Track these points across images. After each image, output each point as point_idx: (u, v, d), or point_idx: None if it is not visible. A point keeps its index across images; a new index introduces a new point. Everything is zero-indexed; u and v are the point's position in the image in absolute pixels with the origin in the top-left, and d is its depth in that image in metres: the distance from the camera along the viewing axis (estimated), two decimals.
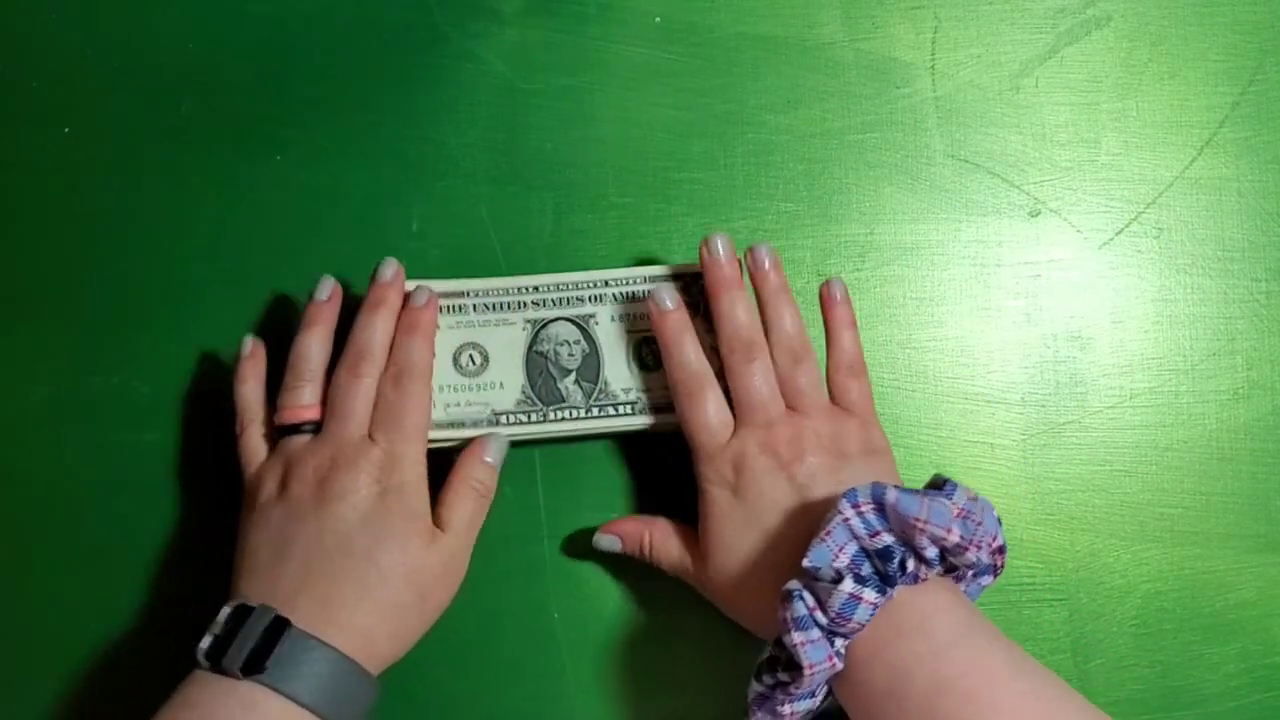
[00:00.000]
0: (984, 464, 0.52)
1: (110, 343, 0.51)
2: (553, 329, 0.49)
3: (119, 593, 0.50)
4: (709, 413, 0.46)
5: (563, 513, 0.51)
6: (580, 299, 0.50)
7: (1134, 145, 0.54)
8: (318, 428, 0.46)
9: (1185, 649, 0.51)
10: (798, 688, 0.39)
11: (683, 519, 0.47)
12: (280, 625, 0.40)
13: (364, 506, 0.44)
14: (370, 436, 0.46)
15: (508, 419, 0.48)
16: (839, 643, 0.39)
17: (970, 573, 0.42)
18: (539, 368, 0.49)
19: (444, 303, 0.49)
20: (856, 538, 0.39)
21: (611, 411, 0.49)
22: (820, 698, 0.41)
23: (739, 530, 0.44)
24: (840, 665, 0.39)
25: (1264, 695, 0.50)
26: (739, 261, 0.48)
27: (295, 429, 0.46)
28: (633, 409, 0.49)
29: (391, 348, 0.47)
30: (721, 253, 0.47)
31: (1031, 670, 0.38)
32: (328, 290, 0.48)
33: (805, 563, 0.39)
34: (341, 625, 0.42)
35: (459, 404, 0.48)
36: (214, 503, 0.50)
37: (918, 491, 0.40)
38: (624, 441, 0.51)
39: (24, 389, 0.51)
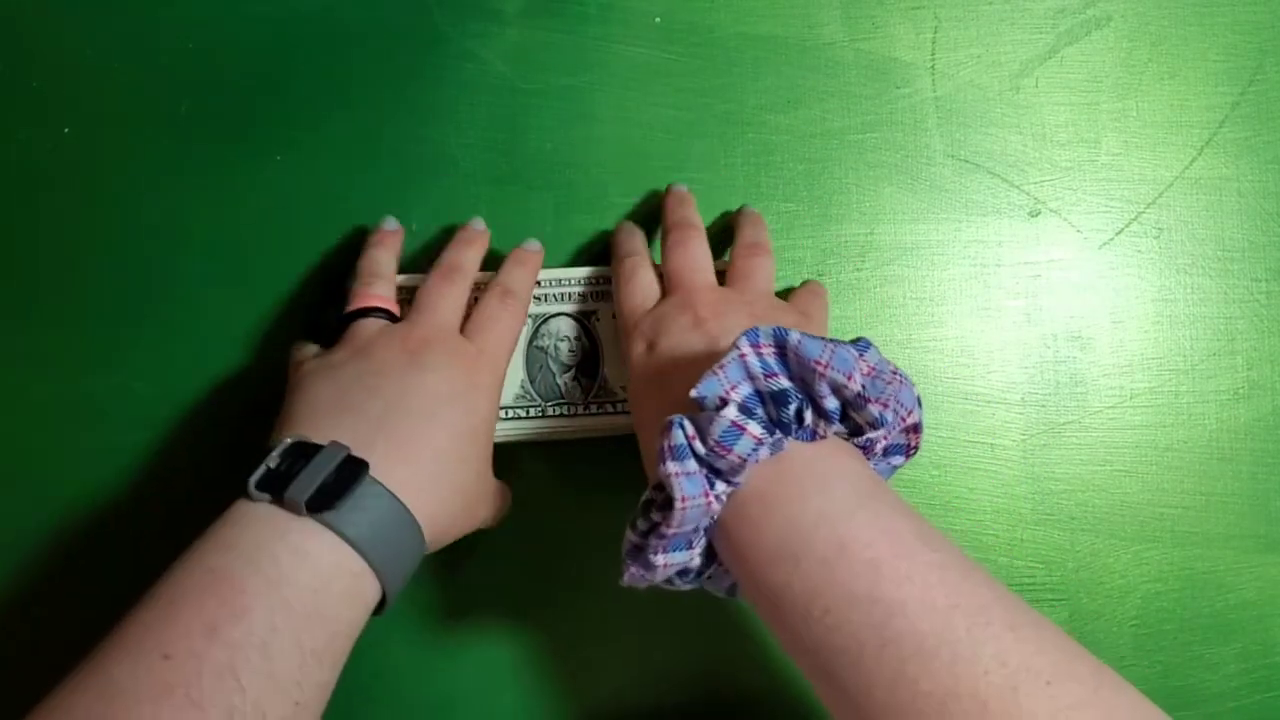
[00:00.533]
0: (984, 464, 0.52)
1: (110, 343, 0.51)
2: (553, 324, 0.49)
3: (120, 593, 0.50)
4: (640, 285, 0.46)
5: (562, 514, 0.51)
6: (582, 295, 0.50)
7: (1134, 145, 0.54)
8: (390, 319, 0.45)
9: (1185, 649, 0.51)
10: (669, 528, 0.35)
11: None
12: (355, 465, 0.37)
13: (458, 387, 0.42)
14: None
15: (506, 414, 0.48)
16: (720, 486, 0.36)
17: (880, 448, 0.38)
18: (538, 363, 0.49)
19: None
20: (752, 377, 0.36)
21: (610, 409, 0.49)
22: (698, 550, 0.38)
23: (647, 387, 0.42)
24: (718, 507, 0.36)
25: (1264, 695, 0.50)
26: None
27: (365, 313, 0.45)
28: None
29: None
30: (683, 190, 0.50)
31: (940, 543, 0.35)
32: (394, 224, 0.49)
33: (693, 393, 0.35)
34: (411, 485, 0.39)
35: None
36: (215, 503, 0.50)
37: (825, 339, 0.37)
38: (623, 442, 0.51)
39: (24, 389, 0.51)
